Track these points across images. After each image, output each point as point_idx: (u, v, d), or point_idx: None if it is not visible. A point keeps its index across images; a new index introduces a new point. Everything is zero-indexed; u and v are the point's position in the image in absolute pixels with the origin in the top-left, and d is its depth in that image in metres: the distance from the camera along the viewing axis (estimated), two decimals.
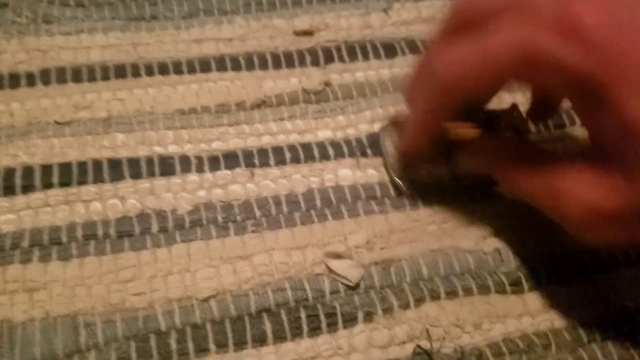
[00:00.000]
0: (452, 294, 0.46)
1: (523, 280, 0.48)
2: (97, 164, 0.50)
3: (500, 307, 0.46)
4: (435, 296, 0.46)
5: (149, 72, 0.56)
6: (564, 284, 0.48)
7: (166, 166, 0.51)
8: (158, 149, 0.51)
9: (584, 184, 0.38)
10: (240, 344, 0.43)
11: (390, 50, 0.61)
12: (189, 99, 0.55)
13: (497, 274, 0.48)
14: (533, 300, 0.47)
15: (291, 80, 0.58)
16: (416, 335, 0.44)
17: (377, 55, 0.61)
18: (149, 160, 0.50)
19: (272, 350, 0.43)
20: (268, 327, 0.44)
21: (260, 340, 0.43)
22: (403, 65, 0.60)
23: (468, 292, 0.47)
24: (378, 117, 0.56)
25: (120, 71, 0.56)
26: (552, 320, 0.47)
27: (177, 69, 0.57)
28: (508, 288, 0.47)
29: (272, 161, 0.52)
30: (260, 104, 0.56)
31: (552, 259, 0.49)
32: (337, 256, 0.47)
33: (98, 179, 0.49)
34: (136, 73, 0.56)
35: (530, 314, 0.47)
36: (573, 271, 0.49)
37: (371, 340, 0.44)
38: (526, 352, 0.45)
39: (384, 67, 0.60)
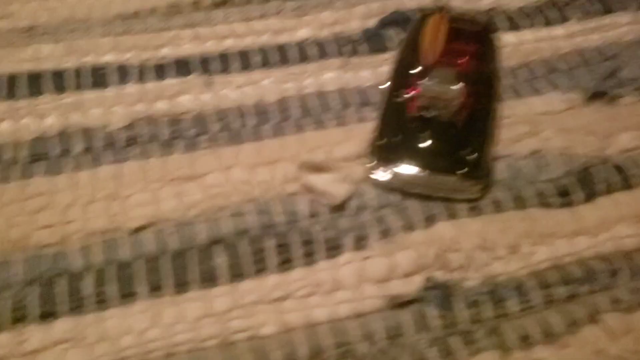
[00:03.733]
0: (475, 209, 0.34)
1: (575, 189, 0.35)
2: (13, 78, 0.39)
3: (544, 224, 0.33)
4: (452, 213, 0.34)
5: None
6: (630, 190, 0.35)
7: (98, 77, 0.40)
8: (89, 59, 0.40)
9: None
10: (181, 285, 0.31)
11: None
12: (134, 2, 0.44)
13: (538, 183, 0.35)
14: (590, 214, 0.34)
15: None
16: (427, 264, 0.32)
17: None
18: (77, 72, 0.40)
19: (224, 291, 0.31)
20: (221, 262, 0.32)
21: (209, 280, 0.31)
22: None
23: (497, 206, 0.34)
24: (374, 12, 0.44)
25: None
26: (620, 238, 0.33)
27: None
28: (554, 200, 0.34)
29: (235, 67, 0.41)
30: (224, 2, 0.44)
31: (612, 161, 0.36)
32: (317, 169, 0.34)
33: (12, 95, 0.38)
34: None
35: (588, 231, 0.33)
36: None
37: (363, 273, 0.32)
38: (584, 282, 0.32)
39: None
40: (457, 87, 0.33)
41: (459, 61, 0.35)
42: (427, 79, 0.34)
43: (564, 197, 0.34)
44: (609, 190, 0.35)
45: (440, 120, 0.33)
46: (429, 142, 0.33)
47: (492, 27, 0.37)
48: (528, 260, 0.32)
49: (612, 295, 0.31)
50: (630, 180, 0.36)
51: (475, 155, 0.33)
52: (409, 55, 0.36)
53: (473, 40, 0.36)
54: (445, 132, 0.33)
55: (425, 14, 0.38)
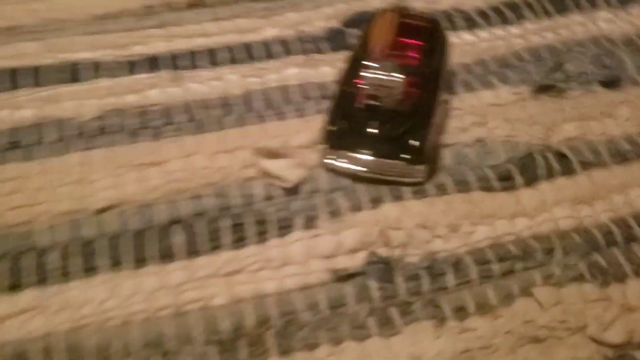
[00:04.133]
0: (419, 192, 0.36)
1: (516, 174, 0.37)
2: None
3: (485, 206, 0.35)
4: (397, 196, 0.36)
5: None
6: (570, 175, 0.37)
7: (73, 72, 0.42)
8: (66, 56, 0.43)
9: None
10: (140, 261, 0.33)
11: None
12: (110, 3, 0.46)
13: (481, 168, 0.37)
14: (530, 197, 0.36)
15: None
16: (371, 241, 0.34)
17: None
18: (55, 68, 0.42)
19: (180, 265, 0.33)
20: (178, 239, 0.34)
21: (166, 255, 0.33)
22: None
23: (441, 189, 0.36)
24: (340, 13, 0.46)
25: None
26: (557, 219, 0.35)
27: None
28: (495, 184, 0.36)
29: (203, 63, 0.43)
30: (195, 4, 0.47)
31: (554, 149, 0.38)
32: (272, 154, 0.37)
33: None
34: None
35: (527, 213, 0.35)
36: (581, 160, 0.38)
37: (311, 249, 0.34)
38: (521, 259, 0.34)
39: None
40: (399, 77, 0.36)
41: (406, 54, 0.37)
42: (372, 69, 0.36)
43: (506, 182, 0.36)
44: (550, 176, 0.37)
45: (386, 109, 0.36)
46: (375, 129, 0.35)
47: (440, 24, 0.40)
48: (467, 238, 0.34)
49: (545, 271, 0.33)
50: (570, 166, 0.38)
51: (419, 141, 0.35)
52: (362, 49, 0.38)
53: (423, 36, 0.38)
54: (390, 119, 0.35)
55: (378, 12, 0.40)
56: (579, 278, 0.33)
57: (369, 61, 0.37)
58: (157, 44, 0.44)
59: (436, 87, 0.37)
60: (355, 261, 0.33)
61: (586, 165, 0.38)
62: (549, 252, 0.34)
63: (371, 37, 0.38)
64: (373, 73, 0.36)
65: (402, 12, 0.40)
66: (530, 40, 0.45)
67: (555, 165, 0.37)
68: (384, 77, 0.36)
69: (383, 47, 0.37)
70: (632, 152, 0.39)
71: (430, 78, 0.37)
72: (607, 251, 0.34)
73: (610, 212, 0.36)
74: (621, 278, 0.33)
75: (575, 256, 0.34)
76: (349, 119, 0.36)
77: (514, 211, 0.35)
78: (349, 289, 0.32)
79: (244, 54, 0.44)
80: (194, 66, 0.43)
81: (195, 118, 0.40)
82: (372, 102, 0.36)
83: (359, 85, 0.36)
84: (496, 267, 0.33)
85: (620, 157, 0.38)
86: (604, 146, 0.39)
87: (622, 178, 0.37)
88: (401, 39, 0.38)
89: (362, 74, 0.36)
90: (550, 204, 0.36)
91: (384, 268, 0.33)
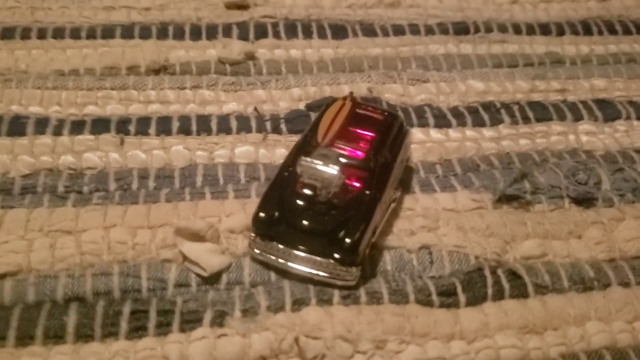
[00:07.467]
0: (349, 297, 0.32)
1: (459, 290, 0.33)
2: None
3: (419, 322, 0.32)
4: (323, 299, 0.32)
5: (41, 35, 0.48)
6: (522, 299, 0.33)
7: (17, 126, 0.40)
8: (15, 108, 0.41)
9: None
10: (24, 338, 0.30)
11: (339, 31, 0.51)
12: (74, 61, 0.45)
13: (422, 279, 0.33)
14: (471, 318, 0.32)
15: (207, 52, 0.47)
16: (283, 349, 0.30)
17: (323, 36, 0.50)
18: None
19: (66, 350, 0.30)
20: (72, 320, 0.31)
21: (54, 336, 0.30)
22: (352, 47, 0.49)
23: (373, 297, 0.32)
24: (307, 96, 0.44)
25: (8, 33, 0.48)
26: (497, 348, 0.31)
27: (75, 34, 0.48)
28: (435, 298, 0.33)
29: (153, 130, 0.41)
30: (159, 70, 0.45)
31: (508, 267, 0.34)
32: (195, 237, 0.34)
33: None
34: (26, 36, 0.48)
35: (465, 336, 0.31)
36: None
37: (213, 350, 0.30)
38: None
39: (328, 47, 0.49)
40: (336, 169, 0.33)
41: (354, 145, 0.34)
42: (311, 158, 0.33)
43: (446, 297, 0.33)
44: (498, 297, 0.33)
45: (321, 201, 0.33)
46: (307, 222, 0.32)
47: (399, 118, 0.37)
48: (392, 358, 0.30)
49: None
50: (524, 288, 0.34)
51: (352, 240, 0.32)
52: (309, 135, 0.35)
53: (377, 128, 0.36)
54: (324, 213, 0.32)
55: (334, 99, 0.38)
56: None
57: (311, 149, 0.34)
58: (112, 107, 0.42)
59: (382, 183, 0.34)
60: None
61: (541, 289, 0.34)
62: None
63: (321, 124, 0.35)
64: (312, 162, 0.33)
65: (360, 102, 0.38)
66: (503, 146, 0.42)
67: (506, 285, 0.34)
68: (321, 168, 0.33)
69: (330, 135, 0.35)
70: (596, 281, 0.35)
71: (376, 173, 0.34)
72: None
73: (562, 347, 0.32)
74: None
75: None
76: (282, 207, 0.33)
77: (450, 332, 0.31)
78: None
79: (199, 125, 0.42)
80: (143, 133, 0.41)
81: (129, 187, 0.37)
82: (308, 193, 0.33)
83: (297, 174, 0.34)
84: None
85: (582, 284, 0.34)
86: (566, 270, 0.35)
87: (580, 309, 0.33)
88: (351, 129, 0.35)
89: (300, 161, 0.34)
90: (494, 329, 0.32)
91: None
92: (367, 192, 0.33)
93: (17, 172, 0.37)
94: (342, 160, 0.33)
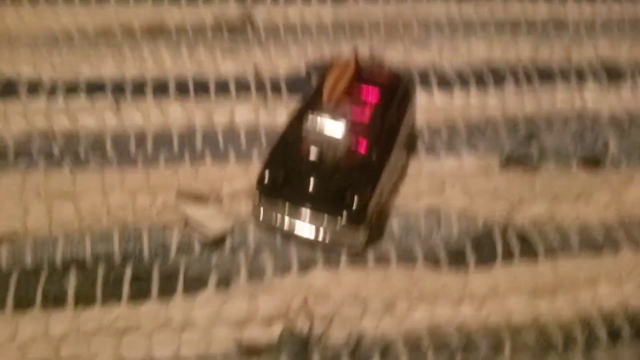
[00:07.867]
0: (356, 260, 0.32)
1: (468, 253, 0.32)
2: None
3: (428, 285, 0.31)
4: (330, 261, 0.31)
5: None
6: (531, 262, 0.33)
7: (9, 88, 0.39)
8: (6, 70, 0.40)
9: None
10: (23, 304, 0.29)
11: None
12: (65, 20, 0.44)
13: (430, 241, 0.33)
14: (480, 281, 0.32)
15: (203, 13, 0.46)
16: (290, 312, 0.29)
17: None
18: None
19: (67, 315, 0.29)
20: (71, 284, 0.30)
21: (55, 301, 0.29)
22: (352, 8, 0.48)
23: (381, 259, 0.32)
24: (306, 58, 0.43)
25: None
26: (508, 311, 0.31)
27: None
28: (443, 261, 0.32)
29: (149, 92, 0.40)
30: (154, 31, 0.44)
31: (517, 230, 0.34)
32: (198, 200, 0.33)
33: None
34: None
35: (474, 299, 0.31)
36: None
37: (220, 314, 0.29)
38: (461, 352, 0.29)
39: (326, 8, 0.48)
40: (343, 133, 0.32)
41: (359, 109, 0.33)
42: (317, 121, 0.32)
43: (455, 260, 0.32)
44: (507, 260, 0.33)
45: (327, 164, 0.32)
46: (313, 184, 0.31)
47: (403, 81, 0.36)
48: (403, 320, 0.30)
49: None
50: (533, 251, 0.33)
51: (359, 202, 0.31)
52: (313, 97, 0.34)
53: (381, 91, 0.35)
54: (329, 176, 0.31)
55: (336, 59, 0.37)
56: None
57: (315, 112, 0.33)
58: (106, 69, 0.41)
59: (388, 146, 0.33)
60: (267, 333, 0.29)
61: (551, 252, 0.33)
62: (496, 348, 0.29)
63: (324, 87, 0.34)
64: (317, 126, 0.32)
65: (364, 63, 0.37)
66: (508, 108, 0.41)
67: (515, 248, 0.33)
68: (328, 129, 0.32)
69: (335, 99, 0.34)
70: (607, 244, 0.34)
71: (382, 136, 0.33)
72: (564, 354, 0.30)
73: (573, 310, 0.31)
74: None
75: (527, 356, 0.29)
76: (288, 167, 0.32)
77: (459, 295, 0.31)
78: None
79: (197, 88, 0.40)
80: (139, 95, 0.39)
81: (125, 150, 0.36)
82: (314, 153, 0.32)
83: (302, 136, 0.33)
84: (431, 358, 0.29)
85: (592, 247, 0.34)
86: (575, 233, 0.34)
87: (591, 271, 0.33)
88: (356, 93, 0.34)
89: (306, 124, 0.32)
90: (503, 293, 0.31)
91: (299, 345, 0.28)
92: (374, 155, 0.32)
93: (10, 136, 0.36)
94: (348, 121, 0.32)
